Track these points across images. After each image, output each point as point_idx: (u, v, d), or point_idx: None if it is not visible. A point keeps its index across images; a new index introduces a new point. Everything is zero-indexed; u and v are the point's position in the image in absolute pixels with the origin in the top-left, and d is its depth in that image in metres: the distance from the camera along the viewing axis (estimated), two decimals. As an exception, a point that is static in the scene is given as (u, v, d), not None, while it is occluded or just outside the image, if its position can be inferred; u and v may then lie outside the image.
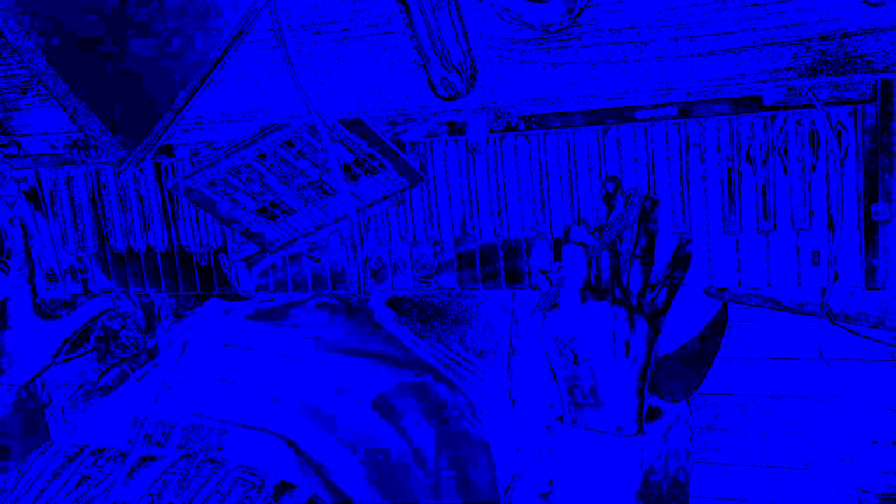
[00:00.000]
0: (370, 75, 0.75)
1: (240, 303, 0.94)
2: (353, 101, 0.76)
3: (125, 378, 1.08)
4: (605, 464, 0.68)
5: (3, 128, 0.88)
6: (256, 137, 0.78)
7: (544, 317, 0.72)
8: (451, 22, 0.71)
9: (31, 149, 0.90)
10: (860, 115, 0.67)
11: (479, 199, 0.78)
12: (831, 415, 1.70)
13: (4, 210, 0.92)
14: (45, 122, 0.87)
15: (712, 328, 0.89)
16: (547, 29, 0.70)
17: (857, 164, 0.68)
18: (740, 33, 0.66)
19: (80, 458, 0.68)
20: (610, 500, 0.68)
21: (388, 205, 0.81)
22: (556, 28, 0.69)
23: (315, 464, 0.70)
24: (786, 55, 0.66)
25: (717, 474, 1.79)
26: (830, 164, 0.69)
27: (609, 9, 0.68)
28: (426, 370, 0.89)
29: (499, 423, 0.91)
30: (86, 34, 0.77)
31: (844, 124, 0.68)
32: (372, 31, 0.74)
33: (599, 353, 0.68)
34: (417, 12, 0.71)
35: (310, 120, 0.76)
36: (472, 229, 0.79)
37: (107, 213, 0.90)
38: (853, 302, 0.72)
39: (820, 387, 1.71)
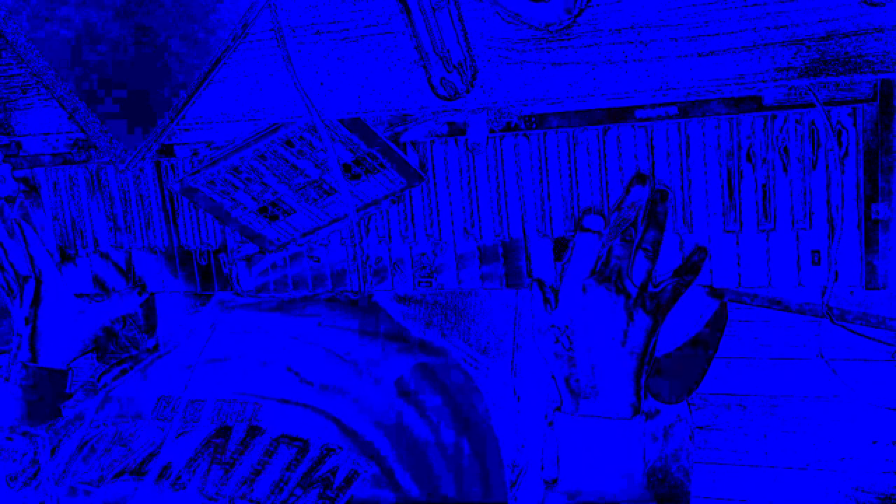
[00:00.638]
0: (370, 75, 0.75)
1: (245, 299, 0.94)
2: (353, 101, 0.76)
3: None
4: (607, 449, 0.68)
5: (4, 128, 0.88)
6: (257, 137, 0.78)
7: (545, 301, 0.72)
8: (451, 22, 0.71)
9: (32, 149, 0.90)
10: (860, 115, 0.67)
11: (480, 199, 0.78)
12: (831, 415, 1.70)
13: (6, 209, 0.92)
14: (45, 122, 0.87)
15: (712, 328, 0.89)
16: (547, 29, 0.70)
17: (857, 164, 0.68)
18: (740, 33, 0.66)
19: (122, 420, 0.70)
20: (615, 484, 0.68)
21: (388, 205, 0.81)
22: (556, 28, 0.69)
23: (350, 431, 0.71)
24: (786, 55, 0.66)
25: (717, 474, 1.79)
26: (830, 164, 0.69)
27: (609, 9, 0.68)
28: (440, 353, 0.89)
29: (503, 419, 0.91)
30: (87, 34, 0.77)
31: (844, 124, 0.68)
32: (372, 31, 0.74)
33: (597, 340, 0.69)
34: (417, 12, 0.71)
35: (310, 120, 0.76)
36: (472, 228, 0.79)
37: (113, 212, 0.90)
38: (853, 302, 0.72)
39: (820, 387, 1.70)
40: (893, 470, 1.67)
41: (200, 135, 0.83)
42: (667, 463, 0.71)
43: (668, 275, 0.74)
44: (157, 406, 0.74)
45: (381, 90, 0.75)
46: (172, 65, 0.76)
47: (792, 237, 0.71)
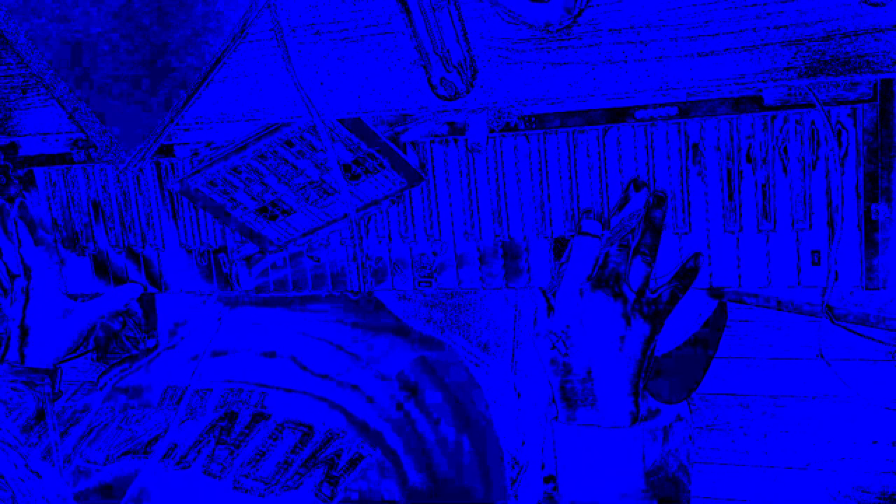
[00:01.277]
0: (370, 75, 0.75)
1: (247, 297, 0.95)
2: (353, 101, 0.76)
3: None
4: (605, 458, 0.68)
5: (3, 128, 0.88)
6: (257, 137, 0.78)
7: (549, 309, 0.72)
8: (451, 22, 0.71)
9: (31, 149, 0.90)
10: (860, 115, 0.67)
11: (480, 199, 0.78)
12: (831, 415, 1.70)
13: (6, 208, 0.92)
14: (46, 122, 0.87)
15: (711, 328, 0.89)
16: (547, 29, 0.70)
17: (857, 164, 0.68)
18: (740, 33, 0.66)
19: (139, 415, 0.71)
20: (615, 493, 0.68)
21: (388, 205, 0.81)
22: (556, 28, 0.69)
23: (355, 419, 0.72)
24: (786, 55, 0.66)
25: (717, 474, 1.79)
26: (830, 164, 0.69)
27: (609, 9, 0.68)
28: (441, 348, 0.90)
29: (504, 417, 0.91)
30: (87, 34, 0.77)
31: (844, 124, 0.68)
32: (372, 31, 0.74)
33: (594, 346, 0.68)
34: (417, 12, 0.71)
35: (310, 120, 0.76)
36: (473, 228, 0.79)
37: (107, 213, 0.90)
38: (853, 302, 0.72)
39: (820, 387, 1.71)
40: (893, 470, 1.67)
41: (200, 135, 0.83)
42: (667, 462, 0.71)
43: (665, 279, 0.74)
44: (163, 395, 0.75)
45: (381, 90, 0.75)
46: (172, 65, 0.76)
47: (792, 237, 0.71)
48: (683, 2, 0.67)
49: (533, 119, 0.74)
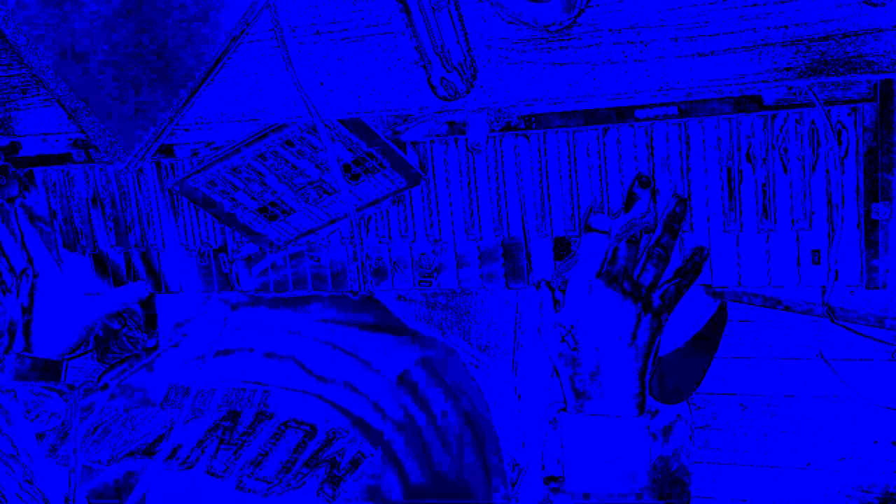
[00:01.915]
0: (370, 75, 0.75)
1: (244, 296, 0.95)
2: (353, 101, 0.76)
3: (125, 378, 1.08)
4: (612, 448, 0.68)
5: (4, 128, 0.88)
6: (257, 137, 0.78)
7: (555, 303, 0.72)
8: (451, 22, 0.71)
9: (32, 149, 0.90)
10: (860, 115, 0.67)
11: (480, 199, 0.78)
12: (831, 415, 1.70)
13: (6, 208, 0.92)
14: (46, 122, 0.87)
15: (711, 328, 0.89)
16: (547, 29, 0.70)
17: (857, 164, 0.68)
18: (740, 33, 0.66)
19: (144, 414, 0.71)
20: (621, 483, 0.68)
21: (388, 205, 0.81)
22: (556, 28, 0.69)
23: (357, 419, 0.72)
24: (786, 55, 0.66)
25: (717, 474, 1.79)
26: (830, 164, 0.69)
27: (609, 9, 0.68)
28: (442, 348, 0.90)
29: (504, 418, 0.91)
30: (87, 34, 0.77)
31: (844, 123, 0.68)
32: (372, 31, 0.74)
33: (603, 340, 0.69)
34: (417, 12, 0.71)
35: (310, 120, 0.76)
36: (473, 228, 0.79)
37: (107, 212, 0.90)
38: (853, 301, 0.72)
39: (820, 387, 1.70)
40: (893, 470, 1.67)
41: (200, 135, 0.83)
42: (667, 462, 0.72)
43: (669, 275, 0.74)
44: (167, 394, 0.75)
45: (381, 90, 0.75)
46: (172, 65, 0.76)
47: (792, 237, 0.71)
48: (683, 2, 0.67)
49: (533, 119, 0.74)
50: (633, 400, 0.69)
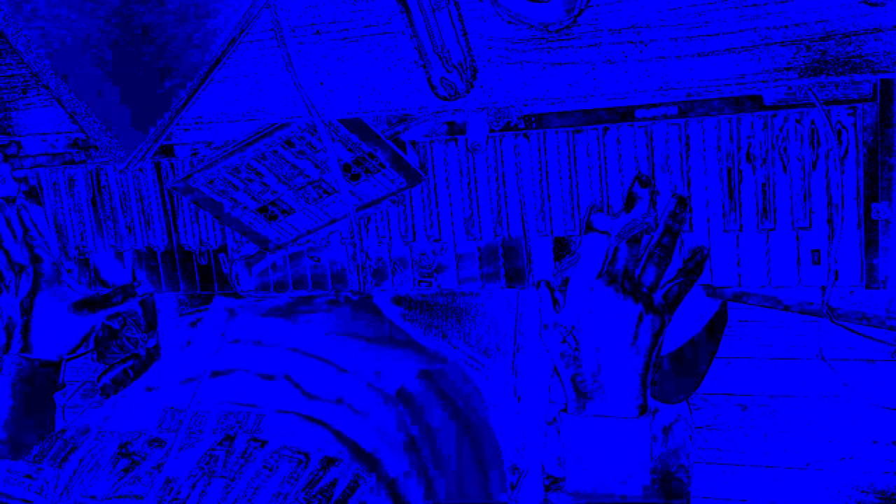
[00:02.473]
0: (370, 75, 0.75)
1: (245, 301, 0.94)
2: (353, 101, 0.76)
3: (126, 378, 1.08)
4: (614, 448, 0.68)
5: (4, 128, 0.88)
6: (256, 137, 0.78)
7: (555, 303, 0.72)
8: (451, 22, 0.71)
9: (31, 149, 0.90)
10: (860, 115, 0.67)
11: (480, 199, 0.78)
12: (831, 415, 1.70)
13: (6, 209, 0.92)
14: (46, 122, 0.87)
15: (712, 328, 0.89)
16: (547, 29, 0.70)
17: (857, 164, 0.68)
18: (740, 33, 0.66)
19: (137, 443, 0.71)
20: (622, 483, 0.68)
21: (388, 205, 0.81)
22: (556, 28, 0.69)
23: (351, 443, 0.71)
24: (786, 55, 0.66)
25: (717, 474, 1.79)
26: (830, 164, 0.69)
27: (609, 9, 0.68)
28: (441, 359, 0.89)
29: (504, 421, 0.91)
30: (87, 34, 0.77)
31: (844, 123, 0.68)
32: (372, 31, 0.74)
33: (604, 340, 0.69)
34: (417, 12, 0.71)
35: (310, 120, 0.76)
36: (473, 228, 0.79)
37: (107, 212, 0.90)
38: (853, 301, 0.72)
39: (820, 387, 1.71)
40: (893, 470, 1.67)
41: (200, 135, 0.83)
42: (667, 462, 0.72)
43: (671, 274, 0.74)
44: (163, 417, 0.74)
45: (381, 90, 0.75)
46: (172, 65, 0.76)
47: (792, 237, 0.71)
48: (683, 2, 0.67)
49: (533, 119, 0.74)
50: (635, 401, 0.69)
